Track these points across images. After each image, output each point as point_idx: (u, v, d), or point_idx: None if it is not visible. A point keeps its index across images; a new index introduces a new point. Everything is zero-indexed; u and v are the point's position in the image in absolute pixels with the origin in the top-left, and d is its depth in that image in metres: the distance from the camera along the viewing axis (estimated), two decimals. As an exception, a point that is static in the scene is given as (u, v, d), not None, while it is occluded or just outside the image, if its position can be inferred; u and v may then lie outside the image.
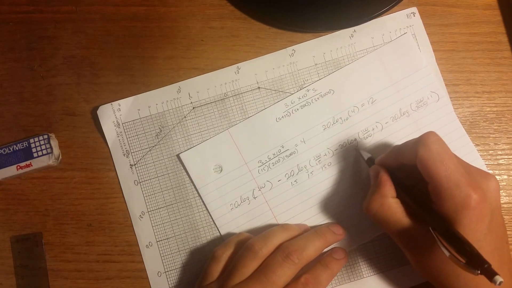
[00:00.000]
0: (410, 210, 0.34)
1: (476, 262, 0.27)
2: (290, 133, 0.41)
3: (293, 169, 0.40)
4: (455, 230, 0.30)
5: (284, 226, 0.38)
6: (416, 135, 0.39)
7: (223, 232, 0.40)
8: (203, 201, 0.40)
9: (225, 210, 0.40)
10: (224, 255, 0.37)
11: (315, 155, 0.40)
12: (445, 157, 0.31)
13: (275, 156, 0.40)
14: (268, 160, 0.40)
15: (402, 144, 0.35)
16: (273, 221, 0.40)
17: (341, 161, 0.40)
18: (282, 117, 0.41)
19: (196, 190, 0.40)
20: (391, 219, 0.33)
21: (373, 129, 0.40)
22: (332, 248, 0.38)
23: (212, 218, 0.40)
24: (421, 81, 0.41)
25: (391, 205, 0.34)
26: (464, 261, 0.28)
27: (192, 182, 0.40)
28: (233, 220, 0.40)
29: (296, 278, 0.35)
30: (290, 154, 0.40)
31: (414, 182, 0.34)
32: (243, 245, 0.36)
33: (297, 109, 0.41)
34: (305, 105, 0.41)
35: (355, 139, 0.40)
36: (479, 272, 0.27)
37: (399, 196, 0.34)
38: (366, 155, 0.39)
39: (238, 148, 0.40)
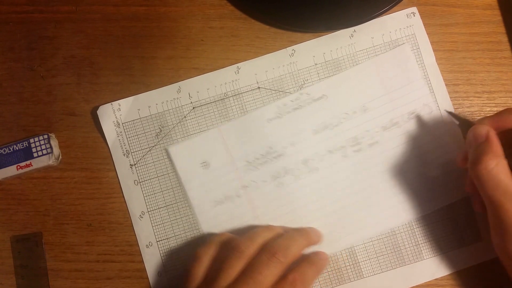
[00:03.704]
0: None
1: None
2: (280, 135, 0.40)
3: (279, 171, 0.40)
4: None
5: (268, 227, 0.38)
6: (405, 146, 0.40)
7: (204, 228, 0.40)
8: (187, 196, 0.40)
9: (208, 206, 0.40)
10: (207, 256, 0.36)
11: (302, 159, 0.40)
12: None
13: (263, 156, 0.40)
14: (255, 160, 0.40)
15: None
16: (255, 221, 0.40)
17: (328, 166, 0.40)
18: (274, 118, 0.41)
19: (181, 184, 0.40)
20: (504, 181, 0.32)
21: (362, 138, 0.40)
22: (315, 251, 0.38)
23: (195, 213, 0.40)
24: (415, 93, 0.41)
25: (505, 165, 0.33)
26: None
27: (178, 176, 0.40)
28: (215, 217, 0.40)
29: (283, 277, 0.34)
30: (278, 156, 0.40)
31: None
32: (225, 245, 0.36)
33: (289, 112, 0.41)
34: (297, 108, 0.41)
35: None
36: None
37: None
38: (458, 118, 0.38)
39: (227, 146, 0.40)
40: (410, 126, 0.40)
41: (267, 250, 0.35)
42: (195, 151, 0.40)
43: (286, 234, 0.37)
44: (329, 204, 0.40)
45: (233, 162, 0.40)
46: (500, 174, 0.32)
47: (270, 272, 0.34)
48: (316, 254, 0.38)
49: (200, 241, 0.40)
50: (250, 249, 0.35)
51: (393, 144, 0.40)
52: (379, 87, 0.41)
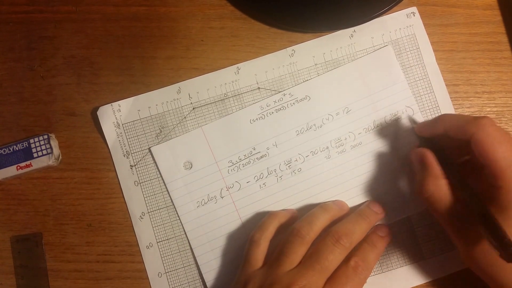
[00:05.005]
0: (457, 193, 0.34)
1: (509, 251, 0.27)
2: (263, 135, 0.40)
3: (262, 172, 0.40)
4: (491, 213, 0.30)
5: (323, 207, 0.38)
6: (388, 148, 0.40)
7: (187, 228, 0.40)
8: (170, 196, 0.40)
9: (191, 207, 0.40)
10: (264, 240, 0.36)
11: (285, 160, 0.40)
12: (503, 139, 0.31)
13: (246, 157, 0.40)
14: (238, 160, 0.40)
15: (452, 116, 0.35)
16: (238, 222, 0.40)
17: (311, 167, 0.40)
18: (257, 119, 0.41)
19: (164, 184, 0.40)
20: (445, 202, 0.33)
21: (345, 139, 0.40)
22: (375, 226, 0.38)
23: (177, 214, 0.40)
24: (398, 94, 0.41)
25: (444, 187, 0.33)
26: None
27: (161, 176, 0.40)
28: (198, 217, 0.40)
29: (345, 261, 0.34)
30: (261, 157, 0.40)
31: (452, 155, 0.35)
32: (283, 229, 0.36)
33: (272, 113, 0.41)
34: (280, 109, 0.41)
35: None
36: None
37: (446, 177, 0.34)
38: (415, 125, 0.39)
39: (210, 146, 0.40)
40: (393, 128, 0.40)
41: (331, 235, 0.35)
42: (177, 151, 0.40)
43: (348, 218, 0.36)
44: (312, 205, 0.40)
45: (216, 162, 0.40)
46: (440, 195, 0.33)
47: (335, 257, 0.34)
48: (376, 233, 0.37)
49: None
50: (311, 234, 0.35)
51: (376, 146, 0.40)
52: (362, 88, 0.41)
